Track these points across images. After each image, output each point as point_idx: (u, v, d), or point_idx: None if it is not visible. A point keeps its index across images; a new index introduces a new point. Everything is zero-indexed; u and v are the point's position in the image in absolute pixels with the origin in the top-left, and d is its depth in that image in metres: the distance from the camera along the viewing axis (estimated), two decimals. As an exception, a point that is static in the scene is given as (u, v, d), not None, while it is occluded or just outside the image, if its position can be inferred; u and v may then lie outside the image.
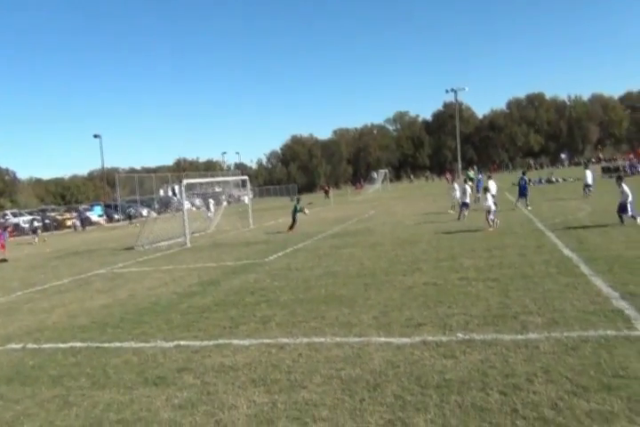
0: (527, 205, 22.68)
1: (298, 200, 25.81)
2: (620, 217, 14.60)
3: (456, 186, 24.78)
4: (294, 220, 23.72)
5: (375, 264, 12.45)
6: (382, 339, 6.73)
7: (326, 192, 58.04)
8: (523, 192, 23.45)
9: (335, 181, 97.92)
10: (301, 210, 24.23)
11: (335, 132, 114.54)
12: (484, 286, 8.98)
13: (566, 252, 11.44)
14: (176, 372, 6.30)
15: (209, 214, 32.82)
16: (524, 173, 25.02)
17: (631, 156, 57.48)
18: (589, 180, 25.79)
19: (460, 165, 76.90)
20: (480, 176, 24.07)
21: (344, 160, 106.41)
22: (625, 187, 14.69)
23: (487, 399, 4.73)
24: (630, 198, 14.48)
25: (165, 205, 39.78)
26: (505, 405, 4.59)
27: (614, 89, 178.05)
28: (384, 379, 5.44)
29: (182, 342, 7.51)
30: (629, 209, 14.42)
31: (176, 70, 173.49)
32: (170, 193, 52.56)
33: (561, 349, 5.77)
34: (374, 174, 75.08)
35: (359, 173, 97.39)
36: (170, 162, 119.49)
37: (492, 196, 17.85)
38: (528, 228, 16.33)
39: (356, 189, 78.57)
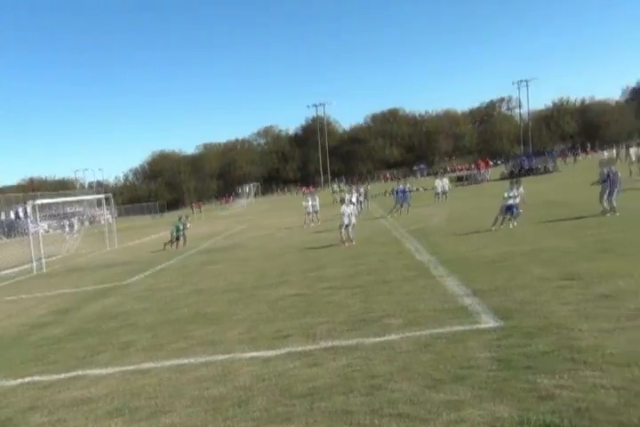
0: (407, 212, 24.04)
1: (180, 218, 24.22)
2: (500, 219, 15.03)
3: (309, 198, 25.82)
4: (178, 238, 22.70)
5: (243, 279, 12.37)
6: (249, 354, 6.67)
7: (197, 208, 56.87)
8: (401, 200, 24.59)
9: (202, 197, 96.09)
10: (184, 228, 23.12)
11: (202, 146, 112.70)
12: (348, 294, 9.29)
13: (421, 256, 12.23)
14: (23, 412, 5.72)
15: (66, 236, 30.53)
16: (401, 183, 26.34)
17: (476, 164, 63.27)
18: (439, 188, 28.02)
19: (324, 177, 79.37)
20: (402, 188, 24.54)
21: (212, 175, 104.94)
22: (522, 189, 15.48)
23: (351, 402, 4.87)
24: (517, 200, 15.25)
25: (9, 228, 36.25)
26: (367, 405, 4.76)
27: (461, 104, 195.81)
28: (252, 394, 5.39)
29: (32, 378, 6.85)
30: (514, 210, 15.08)
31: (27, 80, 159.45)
32: (16, 215, 47.92)
33: (417, 347, 6.13)
34: (244, 188, 74.90)
35: (228, 188, 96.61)
36: (14, 181, 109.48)
37: (359, 202, 18.61)
38: (388, 236, 17.23)
39: (224, 204, 77.83)
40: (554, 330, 6.03)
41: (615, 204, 14.48)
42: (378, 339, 6.60)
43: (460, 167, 77.48)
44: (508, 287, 8.24)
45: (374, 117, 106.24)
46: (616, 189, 14.50)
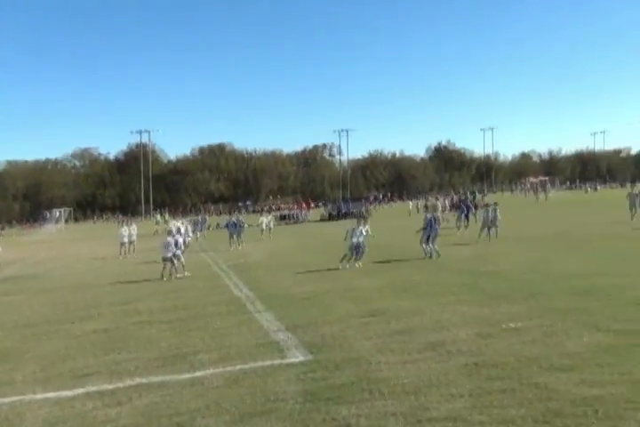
0: (239, 244, 23.82)
1: None
2: (426, 249, 15.72)
3: (126, 227, 24.70)
4: None
5: (42, 312, 11.25)
6: (42, 395, 6.07)
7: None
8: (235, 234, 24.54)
9: (1, 219, 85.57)
10: None
11: (5, 163, 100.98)
12: (160, 329, 8.98)
13: (238, 292, 12.32)
14: None
15: None
16: (234, 216, 26.57)
17: (298, 205, 66.00)
18: (264, 225, 28.68)
19: (146, 207, 76.24)
20: (234, 221, 24.62)
21: (15, 195, 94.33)
22: (368, 227, 16.17)
23: (151, 443, 4.69)
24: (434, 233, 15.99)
25: None
26: (168, 446, 4.62)
27: (287, 146, 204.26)
28: (39, 440, 4.89)
29: None
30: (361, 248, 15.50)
31: None
32: None
33: (228, 382, 6.14)
34: (53, 213, 68.34)
35: (36, 211, 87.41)
36: None
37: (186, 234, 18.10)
38: (208, 270, 17.05)
39: (27, 229, 70.20)
40: (355, 363, 6.49)
41: (436, 247, 15.91)
42: (188, 375, 6.47)
43: (283, 206, 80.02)
44: (318, 323, 8.67)
45: (201, 150, 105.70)
46: (433, 235, 15.91)
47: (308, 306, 10.12)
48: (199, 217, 35.72)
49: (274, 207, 79.87)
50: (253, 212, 77.68)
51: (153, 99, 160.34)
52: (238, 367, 6.62)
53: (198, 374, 6.51)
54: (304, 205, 65.55)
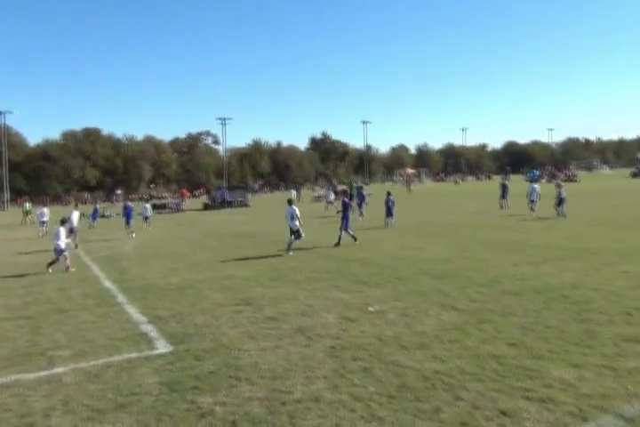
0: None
1: None
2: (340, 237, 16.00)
3: None
4: None
5: None
6: None
7: None
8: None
9: None
10: None
11: None
12: (14, 326, 8.30)
13: (106, 283, 11.73)
14: None
15: None
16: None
17: (180, 193, 63.92)
18: (145, 214, 27.07)
19: (7, 195, 69.84)
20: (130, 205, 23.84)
21: None
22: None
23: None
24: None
25: None
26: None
27: (165, 134, 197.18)
28: None
29: None
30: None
31: None
32: None
33: (85, 378, 5.84)
34: None
35: None
36: None
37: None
38: (75, 261, 16.01)
39: None
40: (222, 351, 6.48)
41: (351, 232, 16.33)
42: (45, 372, 6.08)
43: (162, 195, 77.24)
44: (188, 313, 8.52)
45: (69, 135, 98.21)
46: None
47: (179, 296, 9.90)
48: (95, 206, 33.94)
49: (150, 196, 76.80)
50: (130, 201, 74.03)
51: (9, 80, 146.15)
52: (101, 361, 6.33)
53: (57, 370, 6.13)
54: (185, 193, 63.60)
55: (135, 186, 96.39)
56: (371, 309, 8.22)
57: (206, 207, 44.09)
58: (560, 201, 21.33)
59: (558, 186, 22.19)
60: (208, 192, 60.48)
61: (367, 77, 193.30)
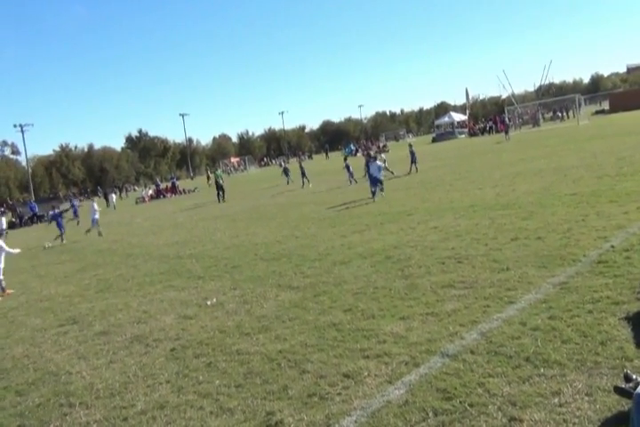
0: None
1: None
2: None
3: None
4: None
5: None
6: None
7: None
8: None
9: None
10: None
11: None
12: None
13: None
14: None
15: None
16: None
17: None
18: None
19: None
20: None
21: None
22: None
23: None
24: None
25: None
26: None
27: None
28: None
29: None
30: None
31: None
32: None
33: None
34: None
35: None
36: None
37: None
38: None
39: None
40: (47, 380, 5.85)
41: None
42: None
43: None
44: (6, 344, 7.54)
45: None
46: None
47: (-10, 329, 8.71)
48: None
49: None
50: None
51: None
52: None
53: None
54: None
55: None
56: (209, 302, 8.02)
57: (12, 226, 39.47)
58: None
59: (368, 155, 23.80)
60: (11, 209, 54.27)
61: (179, 68, 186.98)
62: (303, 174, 28.48)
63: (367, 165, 21.90)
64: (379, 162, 19.46)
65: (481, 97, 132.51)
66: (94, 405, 4.96)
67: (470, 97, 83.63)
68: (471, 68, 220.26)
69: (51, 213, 23.85)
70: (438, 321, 5.61)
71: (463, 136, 63.63)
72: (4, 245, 11.84)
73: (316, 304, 6.98)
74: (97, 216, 20.78)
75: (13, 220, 41.29)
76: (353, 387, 4.43)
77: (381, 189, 17.96)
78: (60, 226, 20.76)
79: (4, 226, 18.41)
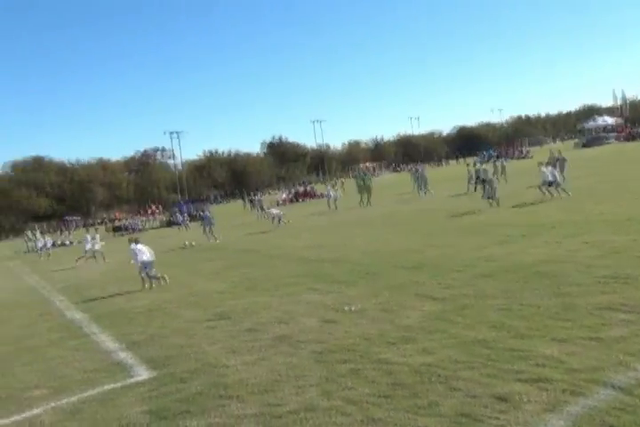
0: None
1: None
2: None
3: None
4: None
5: None
6: None
7: None
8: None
9: None
10: None
11: None
12: (-21, 370, 7.83)
13: (73, 314, 11.25)
14: None
15: None
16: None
17: (144, 211, 62.17)
18: (88, 245, 24.30)
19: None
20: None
21: None
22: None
23: None
24: None
25: None
26: None
27: (114, 154, 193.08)
28: None
29: None
30: None
31: None
32: None
33: (65, 416, 5.53)
34: None
35: None
36: None
37: None
38: (35, 295, 15.37)
39: None
40: (205, 370, 6.24)
41: None
42: (17, 417, 5.71)
43: (118, 216, 75.10)
44: (162, 335, 8.21)
45: (15, 166, 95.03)
46: None
47: (148, 319, 9.52)
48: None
49: (108, 219, 74.86)
50: (84, 226, 71.90)
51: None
52: (77, 398, 6.00)
53: (29, 413, 5.78)
54: (150, 210, 61.90)
55: (89, 210, 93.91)
56: (348, 309, 8.04)
57: (169, 224, 43.14)
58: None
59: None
60: (166, 208, 59.39)
61: (315, 76, 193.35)
62: (424, 183, 29.43)
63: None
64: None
65: (638, 98, 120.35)
66: (248, 399, 5.20)
67: (623, 98, 76.31)
68: (621, 68, 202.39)
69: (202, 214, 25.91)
70: (603, 348, 5.14)
71: (614, 141, 58.58)
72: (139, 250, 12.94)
73: (461, 318, 6.74)
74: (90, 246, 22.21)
75: (170, 218, 45.14)
76: (511, 412, 4.18)
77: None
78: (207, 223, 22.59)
79: (50, 244, 20.35)
